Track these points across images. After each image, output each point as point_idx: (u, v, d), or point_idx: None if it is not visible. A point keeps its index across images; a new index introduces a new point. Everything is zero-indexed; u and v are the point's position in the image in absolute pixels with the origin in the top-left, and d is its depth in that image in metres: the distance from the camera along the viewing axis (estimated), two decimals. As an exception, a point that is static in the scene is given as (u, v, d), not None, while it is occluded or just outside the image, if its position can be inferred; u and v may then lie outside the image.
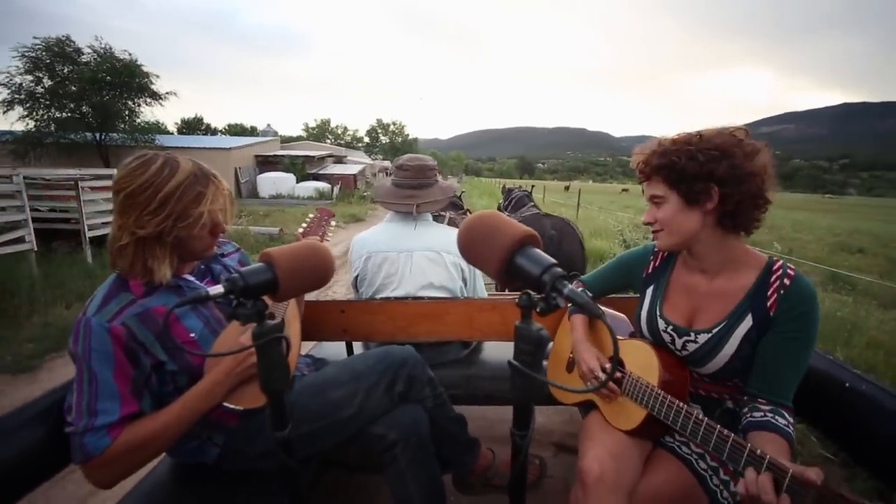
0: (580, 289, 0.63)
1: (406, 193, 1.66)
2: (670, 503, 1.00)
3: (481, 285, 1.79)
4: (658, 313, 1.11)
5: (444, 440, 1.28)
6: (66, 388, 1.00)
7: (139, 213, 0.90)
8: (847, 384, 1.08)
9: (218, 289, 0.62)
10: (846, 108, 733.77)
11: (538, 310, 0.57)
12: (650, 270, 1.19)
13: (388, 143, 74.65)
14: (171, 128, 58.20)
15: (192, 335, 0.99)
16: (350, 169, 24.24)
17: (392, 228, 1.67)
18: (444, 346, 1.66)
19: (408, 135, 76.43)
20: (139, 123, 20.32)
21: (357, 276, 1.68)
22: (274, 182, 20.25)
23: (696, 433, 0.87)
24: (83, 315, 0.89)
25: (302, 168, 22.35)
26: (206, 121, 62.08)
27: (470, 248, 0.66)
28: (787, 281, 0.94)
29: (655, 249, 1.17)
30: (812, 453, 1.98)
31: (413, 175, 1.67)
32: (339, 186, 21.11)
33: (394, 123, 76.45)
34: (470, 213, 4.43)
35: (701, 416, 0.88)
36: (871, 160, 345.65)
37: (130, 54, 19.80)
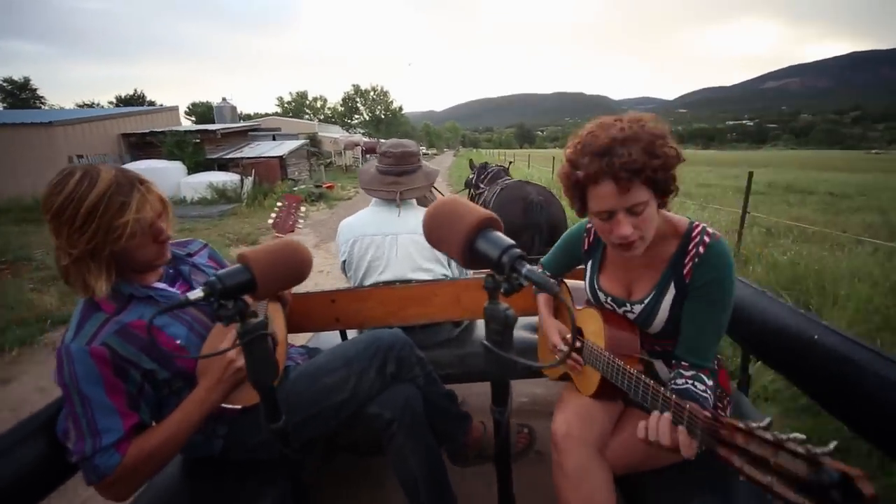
0: (540, 270, 0.64)
1: (389, 180, 1.70)
2: (642, 455, 1.04)
3: None
4: (597, 286, 1.14)
5: (437, 416, 1.33)
6: (59, 404, 1.00)
7: (68, 233, 0.87)
8: (816, 336, 1.11)
9: (197, 293, 0.63)
10: (854, 56, 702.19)
11: (503, 290, 0.59)
12: (586, 247, 1.20)
13: (368, 114, 63.95)
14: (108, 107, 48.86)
15: (178, 342, 1.00)
16: (276, 149, 15.71)
17: (377, 213, 1.72)
18: (435, 327, 1.71)
19: (391, 102, 64.12)
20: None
21: (344, 261, 1.74)
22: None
23: (636, 390, 0.91)
24: (62, 344, 0.89)
25: (196, 152, 13.99)
26: (150, 97, 52.32)
27: (434, 234, 0.68)
28: (702, 249, 0.95)
29: (589, 228, 1.21)
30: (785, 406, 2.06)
31: (395, 162, 1.71)
32: (252, 178, 13.20)
33: (374, 90, 63.02)
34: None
35: (636, 373, 0.90)
36: (883, 111, 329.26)
37: None
